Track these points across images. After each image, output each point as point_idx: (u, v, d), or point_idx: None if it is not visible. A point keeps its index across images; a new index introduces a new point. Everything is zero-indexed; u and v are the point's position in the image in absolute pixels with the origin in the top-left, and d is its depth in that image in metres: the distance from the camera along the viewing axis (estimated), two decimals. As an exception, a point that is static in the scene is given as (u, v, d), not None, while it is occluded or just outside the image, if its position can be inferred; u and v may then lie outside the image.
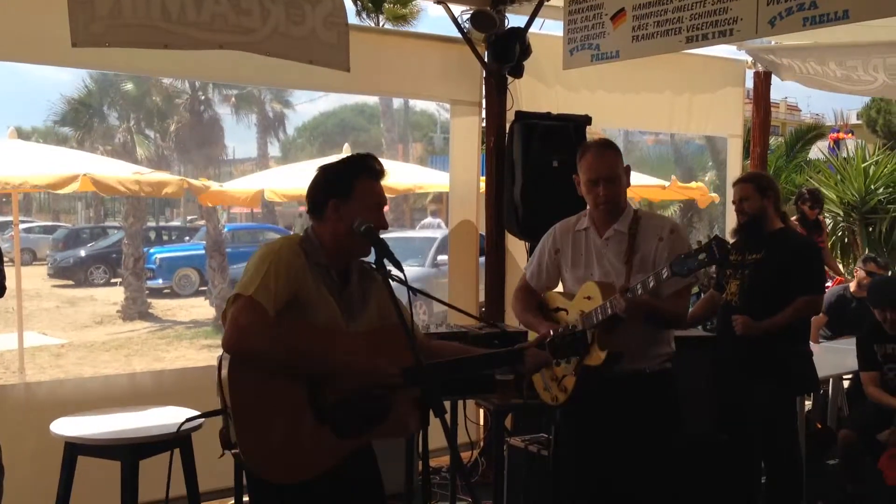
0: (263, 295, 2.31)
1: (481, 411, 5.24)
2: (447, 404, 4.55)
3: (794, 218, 6.97)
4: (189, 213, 35.60)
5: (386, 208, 2.65)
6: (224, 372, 2.34)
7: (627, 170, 3.24)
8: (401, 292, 2.42)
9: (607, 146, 3.22)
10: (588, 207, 3.27)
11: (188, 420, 2.89)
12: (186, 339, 13.65)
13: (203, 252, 16.75)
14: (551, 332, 2.90)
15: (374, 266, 2.49)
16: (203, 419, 2.85)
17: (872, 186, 10.37)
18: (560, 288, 3.37)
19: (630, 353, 3.03)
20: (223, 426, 2.41)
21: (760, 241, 4.17)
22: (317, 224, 2.51)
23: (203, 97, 22.51)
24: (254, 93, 24.68)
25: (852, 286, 6.59)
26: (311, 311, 2.40)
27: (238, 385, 2.32)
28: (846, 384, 5.76)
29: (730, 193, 7.21)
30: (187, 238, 23.45)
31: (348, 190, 2.46)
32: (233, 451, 2.37)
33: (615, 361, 3.00)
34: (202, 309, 16.30)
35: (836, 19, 3.67)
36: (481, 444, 5.26)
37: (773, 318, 4.01)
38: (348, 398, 2.39)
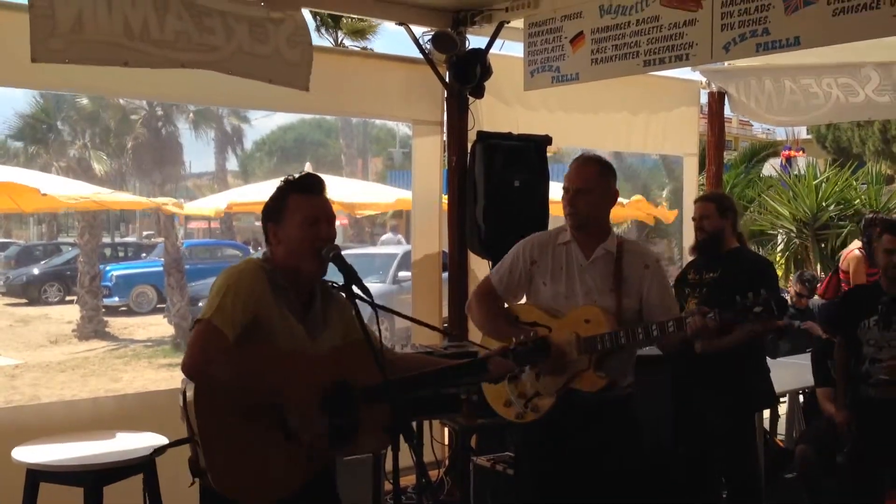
0: (221, 319, 2.31)
1: (446, 430, 5.26)
2: (413, 424, 4.57)
3: (857, 247, 7.02)
4: (145, 229, 35.13)
5: (339, 222, 2.65)
6: (189, 395, 2.34)
7: (614, 193, 3.28)
8: (365, 310, 2.43)
9: (592, 161, 3.26)
10: (567, 222, 3.28)
11: (157, 450, 2.87)
12: (145, 357, 13.44)
13: (161, 269, 16.53)
14: (513, 340, 2.86)
15: (335, 285, 2.50)
16: (165, 442, 2.83)
17: (824, 203, 10.64)
18: (524, 300, 3.34)
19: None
20: (192, 454, 2.40)
21: (717, 259, 4.27)
22: (269, 250, 2.54)
23: (161, 113, 22.32)
24: (212, 108, 24.55)
25: (789, 298, 6.96)
26: (273, 334, 2.41)
27: (204, 410, 2.32)
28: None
29: (686, 211, 7.41)
30: (144, 254, 23.15)
31: (281, 211, 2.49)
32: (205, 480, 2.36)
33: (609, 389, 3.06)
34: (160, 327, 16.07)
35: (788, 45, 3.80)
36: (446, 462, 5.27)
37: (731, 334, 4.10)
38: (314, 418, 2.40)
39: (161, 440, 3.39)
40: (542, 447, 3.21)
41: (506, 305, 3.36)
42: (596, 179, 3.20)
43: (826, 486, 4.70)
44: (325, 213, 2.49)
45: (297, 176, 2.56)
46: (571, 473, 3.16)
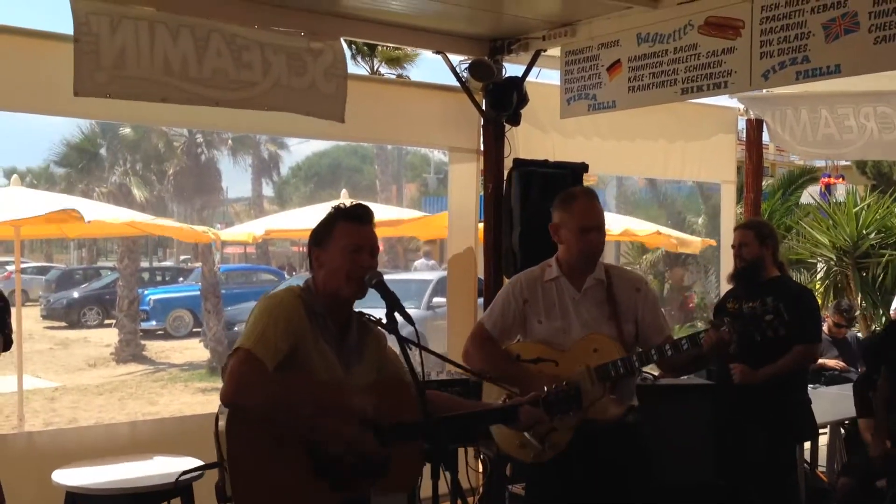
0: (262, 348, 2.33)
1: (482, 457, 5.23)
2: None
3: None
4: (182, 253, 35.61)
5: (382, 248, 2.68)
6: (222, 424, 2.35)
7: None
8: (392, 339, 2.44)
9: (594, 195, 3.25)
10: (557, 256, 3.25)
11: (185, 473, 2.89)
12: (181, 381, 13.57)
13: (197, 293, 16.72)
14: (545, 389, 2.81)
15: (372, 318, 2.51)
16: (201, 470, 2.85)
17: (864, 231, 10.45)
18: (518, 338, 3.29)
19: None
20: (219, 479, 2.41)
21: (757, 288, 4.20)
22: (312, 275, 2.57)
23: (200, 140, 22.70)
24: (250, 135, 24.91)
25: (825, 328, 6.87)
26: (310, 364, 2.42)
27: (236, 438, 2.33)
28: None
29: (725, 238, 7.34)
30: (181, 279, 23.44)
31: (327, 237, 2.52)
32: None
33: (628, 414, 3.05)
34: (196, 351, 16.22)
35: (829, 73, 3.77)
36: (481, 490, 5.23)
37: (771, 365, 4.04)
38: (347, 451, 2.39)
39: (197, 463, 3.41)
40: (552, 477, 3.16)
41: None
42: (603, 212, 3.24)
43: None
44: (369, 242, 2.52)
45: (347, 205, 2.59)
46: (582, 496, 3.11)
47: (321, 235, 2.54)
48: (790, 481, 4.31)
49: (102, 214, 8.01)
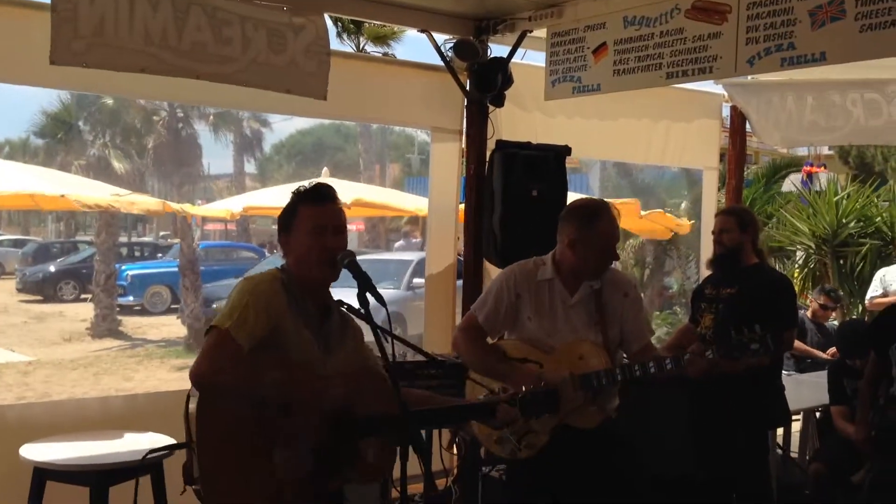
0: (239, 330, 2.30)
1: (457, 439, 5.21)
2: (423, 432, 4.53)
3: None
4: (162, 229, 35.34)
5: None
6: (192, 406, 2.31)
7: None
8: (365, 326, 2.42)
9: (612, 209, 3.23)
10: (556, 258, 3.22)
11: (153, 451, 2.85)
12: (157, 357, 13.48)
13: (176, 269, 16.61)
14: (523, 388, 2.81)
15: (352, 309, 2.49)
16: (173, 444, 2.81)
17: (844, 220, 10.51)
18: (506, 335, 3.30)
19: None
20: (187, 460, 2.37)
21: (735, 275, 4.21)
22: (286, 261, 2.55)
23: (181, 115, 22.46)
24: (232, 111, 24.67)
25: (809, 313, 7.08)
26: (288, 347, 2.39)
27: (205, 419, 2.29)
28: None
29: (705, 224, 7.35)
30: (160, 255, 23.27)
31: (291, 221, 2.50)
32: (193, 487, 2.34)
33: (610, 421, 3.09)
34: (173, 327, 16.12)
35: (814, 61, 3.74)
36: (455, 471, 5.23)
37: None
38: (318, 441, 2.36)
39: (168, 441, 3.37)
40: (529, 477, 3.18)
41: (489, 340, 3.31)
42: None
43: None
44: (332, 222, 2.49)
45: (307, 186, 2.56)
46: (560, 495, 3.12)
47: (286, 220, 2.52)
48: (764, 468, 4.33)
49: (78, 191, 7.88)
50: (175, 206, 9.03)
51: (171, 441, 3.31)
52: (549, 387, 2.79)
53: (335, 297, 2.57)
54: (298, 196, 2.53)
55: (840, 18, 3.62)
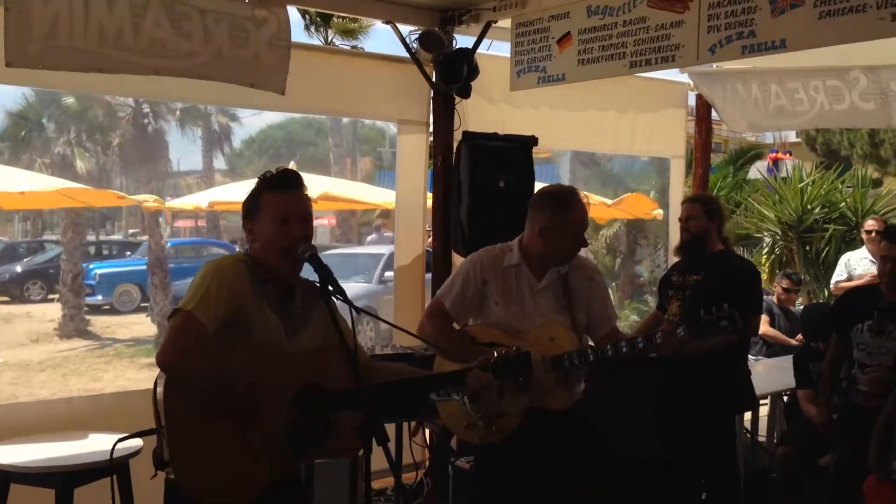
0: (203, 311, 2.29)
1: (427, 431, 5.22)
2: (393, 425, 4.53)
3: None
4: (131, 227, 34.93)
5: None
6: (160, 389, 2.30)
7: None
8: (345, 311, 2.39)
9: (581, 195, 3.23)
10: (522, 244, 3.23)
11: (120, 440, 2.79)
12: (126, 357, 13.33)
13: (144, 267, 16.42)
14: (495, 354, 2.79)
15: (317, 284, 2.46)
16: (139, 444, 2.78)
17: (809, 206, 10.65)
18: (471, 321, 3.30)
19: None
20: (157, 445, 2.36)
21: (701, 262, 4.25)
22: (250, 246, 2.53)
23: (147, 110, 22.20)
24: (199, 106, 24.42)
25: (774, 298, 7.24)
26: (252, 329, 2.38)
27: (173, 402, 2.28)
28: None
29: (673, 212, 7.40)
30: (128, 253, 22.97)
31: (255, 209, 2.48)
32: (166, 471, 2.32)
33: (580, 405, 3.09)
34: (143, 326, 15.95)
35: (774, 48, 3.77)
36: (426, 464, 5.23)
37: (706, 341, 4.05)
38: (287, 418, 2.36)
39: (135, 442, 3.33)
40: (503, 460, 3.17)
41: (455, 326, 3.30)
42: None
43: (806, 488, 4.69)
44: (297, 210, 2.46)
45: (273, 172, 2.53)
46: (534, 485, 3.12)
47: (250, 207, 2.50)
48: (732, 451, 4.39)
49: (38, 185, 7.76)
50: (141, 197, 8.92)
51: (138, 441, 3.26)
52: (521, 351, 2.73)
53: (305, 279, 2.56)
54: (263, 182, 2.50)
55: (799, 6, 3.65)
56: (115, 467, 3.23)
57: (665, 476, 4.25)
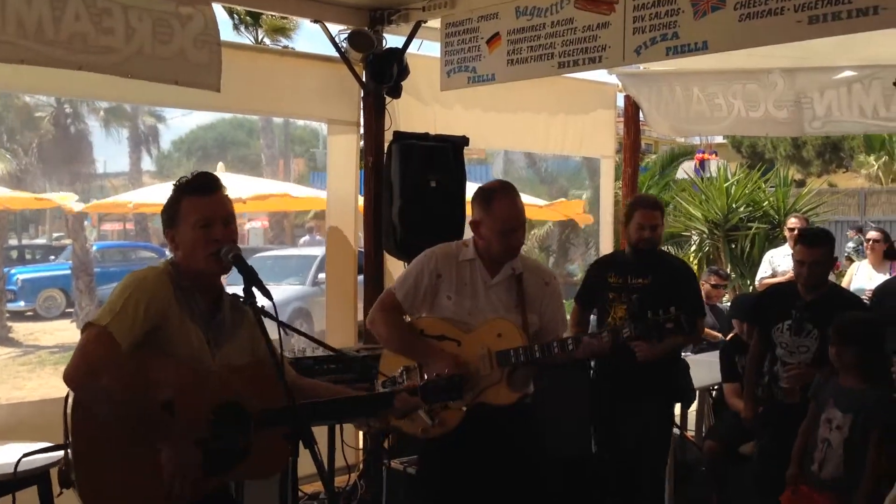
0: (118, 326, 2.20)
1: (360, 434, 5.18)
2: (325, 428, 4.48)
3: None
4: (56, 231, 33.85)
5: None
6: (70, 402, 2.22)
7: None
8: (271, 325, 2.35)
9: (515, 191, 3.22)
10: (476, 241, 3.24)
11: (26, 455, 2.69)
12: (50, 364, 12.90)
13: (69, 272, 15.94)
14: (425, 378, 2.78)
15: (242, 299, 2.39)
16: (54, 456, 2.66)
17: (734, 205, 10.95)
18: (423, 315, 3.27)
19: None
20: (63, 462, 2.27)
21: (648, 265, 4.22)
22: (173, 255, 2.45)
23: (70, 110, 21.53)
24: (125, 106, 23.77)
25: (702, 294, 7.14)
26: (174, 343, 2.30)
27: (80, 420, 2.20)
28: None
29: (604, 210, 7.51)
30: (52, 257, 22.24)
31: (175, 215, 2.40)
32: (74, 490, 2.24)
33: (522, 402, 3.10)
34: (68, 332, 15.45)
35: (697, 49, 3.86)
36: (360, 466, 5.19)
37: (670, 340, 4.06)
38: (205, 437, 2.29)
39: (56, 452, 3.21)
40: (446, 456, 3.17)
41: (406, 319, 3.30)
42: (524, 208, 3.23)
43: (732, 479, 4.80)
44: (219, 213, 2.39)
45: (189, 177, 2.45)
46: (476, 481, 3.13)
47: (170, 215, 2.42)
48: (668, 445, 4.47)
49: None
50: (57, 199, 8.63)
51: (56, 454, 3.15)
52: (452, 375, 2.73)
53: (232, 293, 2.49)
54: (181, 188, 2.42)
55: (720, 8, 3.74)
56: (29, 479, 3.12)
57: (590, 474, 4.29)
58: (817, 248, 3.99)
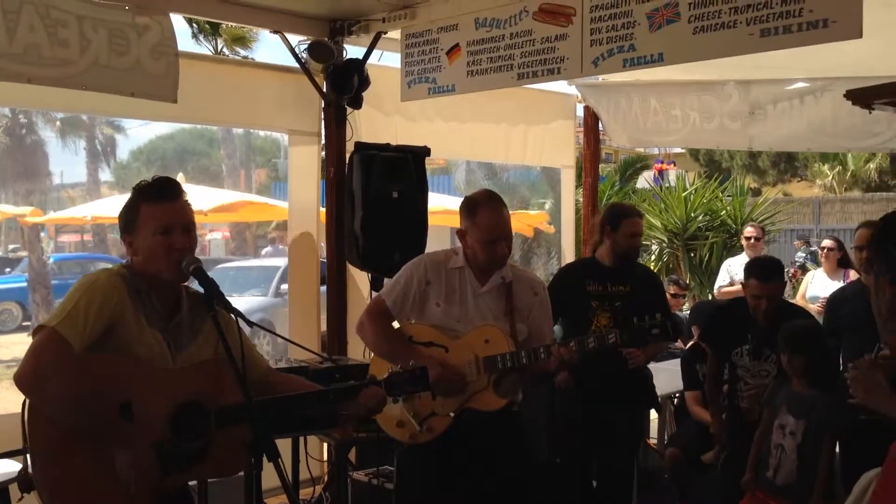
0: (70, 328, 2.17)
1: (325, 445, 5.16)
2: (289, 441, 4.45)
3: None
4: (11, 243, 33.19)
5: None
6: (27, 406, 2.20)
7: None
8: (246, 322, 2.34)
9: (500, 202, 3.22)
10: (464, 251, 3.25)
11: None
12: (6, 378, 12.61)
13: (25, 284, 15.64)
14: (390, 370, 2.75)
15: (201, 294, 2.39)
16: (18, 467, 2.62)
17: (692, 214, 11.11)
18: (412, 320, 3.29)
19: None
20: (23, 467, 2.25)
21: (626, 273, 4.27)
22: (129, 259, 2.43)
23: (24, 121, 21.17)
24: (82, 116, 23.44)
25: None
26: (129, 343, 2.28)
27: (37, 422, 2.18)
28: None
29: (565, 220, 7.56)
30: (8, 269, 21.81)
31: (134, 222, 2.37)
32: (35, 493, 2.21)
33: (509, 407, 3.11)
34: (25, 346, 14.94)
35: (653, 61, 3.93)
36: (325, 479, 5.17)
37: (653, 347, 4.11)
38: (162, 438, 2.27)
39: (13, 466, 3.16)
40: (428, 461, 3.17)
41: (395, 325, 3.31)
42: (510, 218, 3.24)
43: (694, 485, 4.86)
44: (179, 220, 2.37)
45: (149, 181, 2.43)
46: (456, 487, 3.14)
47: (128, 220, 2.39)
48: (636, 450, 4.53)
49: None
50: (10, 210, 8.48)
51: (16, 465, 3.10)
52: (416, 367, 2.70)
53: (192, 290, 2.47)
54: (140, 193, 2.39)
55: (675, 21, 3.81)
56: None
57: (558, 479, 4.32)
58: (771, 282, 4.03)
